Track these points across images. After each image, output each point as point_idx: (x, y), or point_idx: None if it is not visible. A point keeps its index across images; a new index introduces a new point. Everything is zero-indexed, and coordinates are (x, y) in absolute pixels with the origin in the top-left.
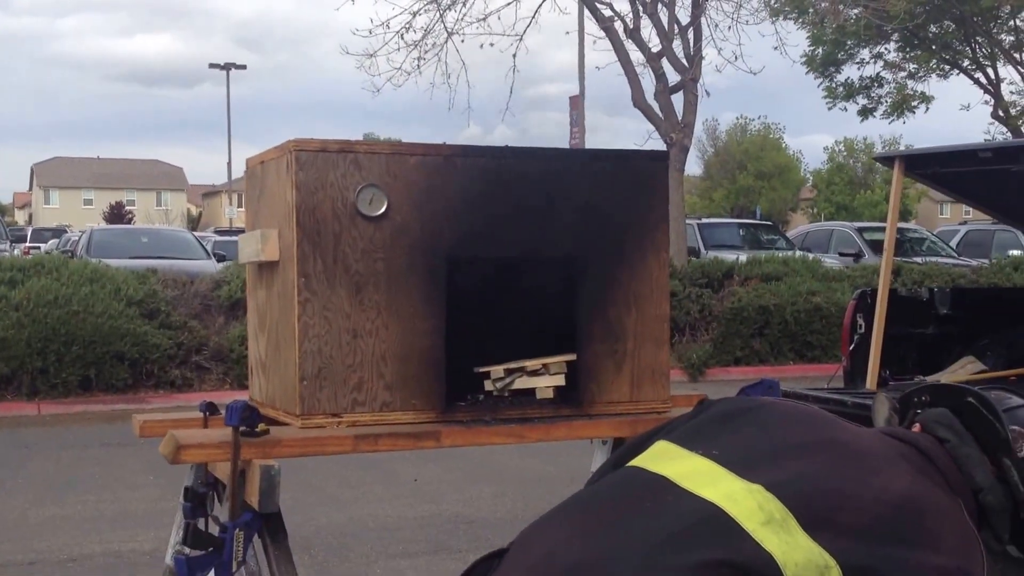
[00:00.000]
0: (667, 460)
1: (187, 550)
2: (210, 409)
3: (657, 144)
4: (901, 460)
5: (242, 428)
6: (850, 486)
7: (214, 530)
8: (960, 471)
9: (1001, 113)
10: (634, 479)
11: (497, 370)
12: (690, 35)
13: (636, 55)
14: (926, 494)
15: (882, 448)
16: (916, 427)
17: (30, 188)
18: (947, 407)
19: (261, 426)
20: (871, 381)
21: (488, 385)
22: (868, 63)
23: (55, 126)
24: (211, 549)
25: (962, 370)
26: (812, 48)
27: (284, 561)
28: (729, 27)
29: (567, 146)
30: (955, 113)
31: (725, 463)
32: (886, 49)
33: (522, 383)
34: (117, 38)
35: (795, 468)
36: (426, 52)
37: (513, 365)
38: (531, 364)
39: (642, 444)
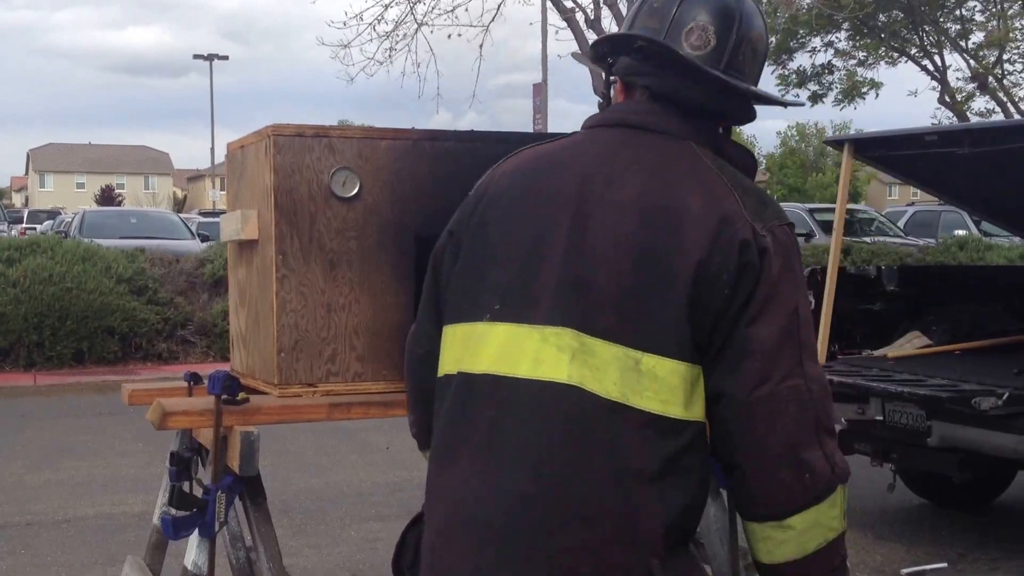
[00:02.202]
0: (473, 349)
1: (173, 511)
2: (194, 379)
3: None
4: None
5: (224, 396)
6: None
7: (198, 492)
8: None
9: (947, 99)
10: (472, 395)
11: None
12: None
13: None
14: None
15: (600, 150)
16: (619, 87)
17: (26, 172)
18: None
19: (242, 395)
20: (820, 355)
21: None
22: (819, 51)
23: (50, 114)
24: (195, 510)
25: (908, 344)
26: None
27: (263, 522)
28: None
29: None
30: (903, 99)
31: (512, 317)
32: (837, 38)
33: None
34: (109, 30)
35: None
36: (397, 43)
37: None
38: None
39: (428, 333)
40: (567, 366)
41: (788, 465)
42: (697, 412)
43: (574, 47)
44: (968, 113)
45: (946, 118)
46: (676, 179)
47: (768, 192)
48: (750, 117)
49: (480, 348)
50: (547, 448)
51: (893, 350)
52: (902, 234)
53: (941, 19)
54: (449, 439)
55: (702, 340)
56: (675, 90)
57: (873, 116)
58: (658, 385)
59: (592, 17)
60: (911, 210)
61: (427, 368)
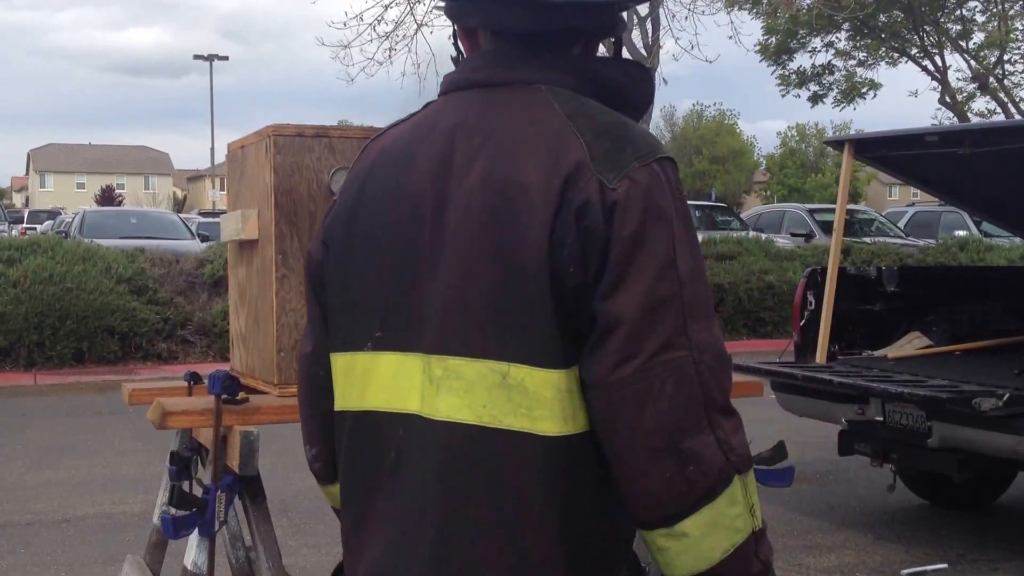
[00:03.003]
0: (359, 383)
1: (173, 510)
2: (194, 379)
3: None
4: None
5: (224, 396)
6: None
7: (198, 492)
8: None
9: (948, 99)
10: (370, 436)
11: None
12: (648, 25)
13: None
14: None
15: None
16: (462, 35)
17: (27, 173)
18: None
19: (241, 394)
20: (820, 355)
21: None
22: (820, 51)
23: (50, 114)
24: (195, 509)
25: (908, 345)
26: (766, 37)
27: (263, 521)
28: (686, 17)
29: None
30: (903, 99)
31: (395, 345)
32: (837, 38)
33: None
34: (110, 31)
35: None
36: (397, 43)
37: None
38: None
39: (322, 355)
40: (434, 399)
41: (666, 457)
42: (582, 423)
43: None
44: (968, 113)
45: (946, 118)
46: (522, 145)
47: (639, 125)
48: (610, 26)
49: (368, 382)
50: (440, 492)
51: (893, 350)
52: (902, 235)
53: (942, 19)
54: (357, 488)
55: (583, 333)
56: (507, 24)
57: (873, 116)
58: (529, 400)
59: None
60: (911, 211)
61: (330, 396)
